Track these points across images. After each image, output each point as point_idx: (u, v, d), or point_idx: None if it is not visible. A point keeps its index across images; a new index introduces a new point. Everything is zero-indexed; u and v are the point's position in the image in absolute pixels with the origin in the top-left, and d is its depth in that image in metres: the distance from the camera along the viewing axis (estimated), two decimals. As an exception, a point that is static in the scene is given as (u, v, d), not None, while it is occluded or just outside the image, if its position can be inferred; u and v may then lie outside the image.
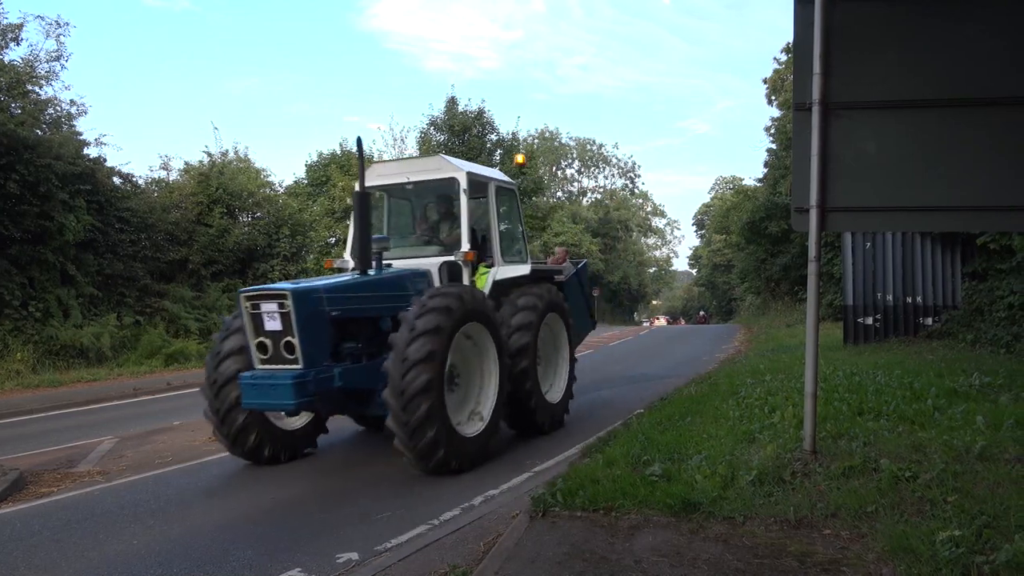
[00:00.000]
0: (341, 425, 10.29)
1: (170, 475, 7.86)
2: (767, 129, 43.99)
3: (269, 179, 25.01)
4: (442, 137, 37.70)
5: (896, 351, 13.34)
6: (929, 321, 15.13)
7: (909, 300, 15.31)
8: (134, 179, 20.17)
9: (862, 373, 10.02)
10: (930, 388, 8.40)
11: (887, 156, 5.63)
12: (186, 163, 23.25)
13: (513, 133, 39.69)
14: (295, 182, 37.73)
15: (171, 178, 22.47)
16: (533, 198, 38.36)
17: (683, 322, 78.53)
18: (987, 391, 8.26)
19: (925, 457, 5.66)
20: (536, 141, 68.34)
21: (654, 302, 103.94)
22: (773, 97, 41.63)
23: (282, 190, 26.96)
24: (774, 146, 39.07)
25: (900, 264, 15.40)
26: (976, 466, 5.39)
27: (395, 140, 43.70)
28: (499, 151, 38.61)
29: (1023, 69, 5.38)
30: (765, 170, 41.66)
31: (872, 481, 5.25)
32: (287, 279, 23.30)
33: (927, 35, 5.55)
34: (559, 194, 72.47)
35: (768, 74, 41.94)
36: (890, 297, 15.35)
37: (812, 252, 5.74)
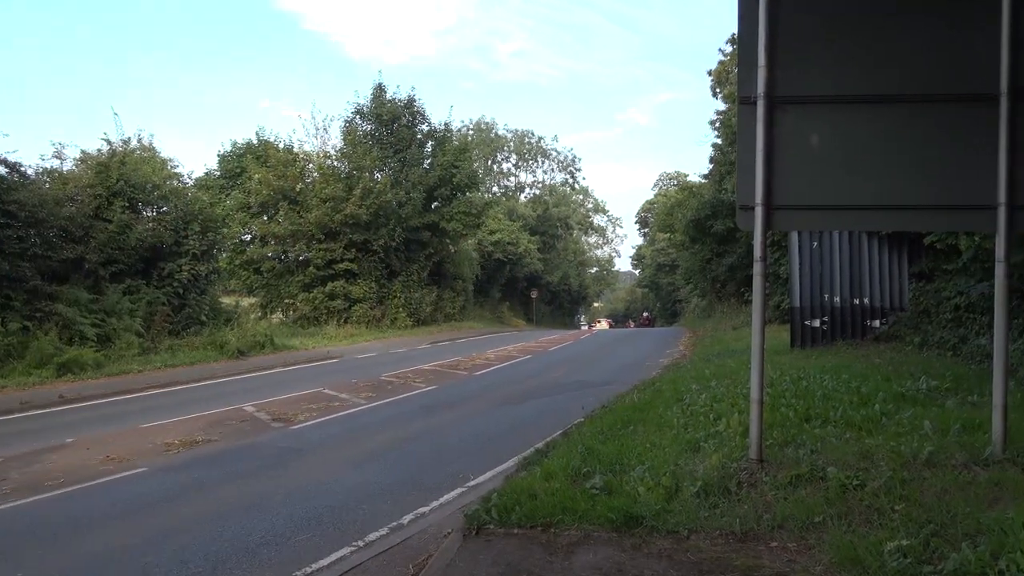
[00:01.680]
0: (265, 440, 10.09)
1: (61, 498, 7.57)
2: (712, 123, 44.55)
3: (177, 170, 24.28)
4: (369, 127, 37.36)
5: (844, 354, 13.80)
6: (877, 323, 15.74)
7: (857, 302, 15.90)
8: (22, 168, 19.30)
9: (809, 378, 10.31)
10: (878, 393, 8.68)
11: (835, 153, 5.75)
12: (83, 152, 22.36)
13: (446, 124, 39.67)
14: (206, 174, 36.96)
15: (65, 168, 21.56)
16: (467, 193, 38.31)
17: (631, 325, 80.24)
18: (934, 395, 8.57)
19: (873, 464, 5.80)
20: (471, 132, 68.29)
21: (596, 304, 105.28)
22: (718, 90, 42.28)
23: (191, 182, 26.21)
24: (719, 141, 39.80)
25: (848, 264, 15.97)
26: (924, 473, 5.56)
27: (317, 130, 43.33)
28: (430, 143, 38.48)
29: (975, 64, 5.57)
30: (710, 166, 42.40)
31: (820, 490, 5.38)
32: (196, 280, 22.70)
33: (874, 28, 5.69)
34: (495, 189, 72.59)
35: (713, 66, 42.49)
36: (837, 299, 15.92)
37: (757, 252, 5.86)
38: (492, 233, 51.75)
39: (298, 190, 31.89)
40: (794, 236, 16.27)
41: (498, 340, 30.49)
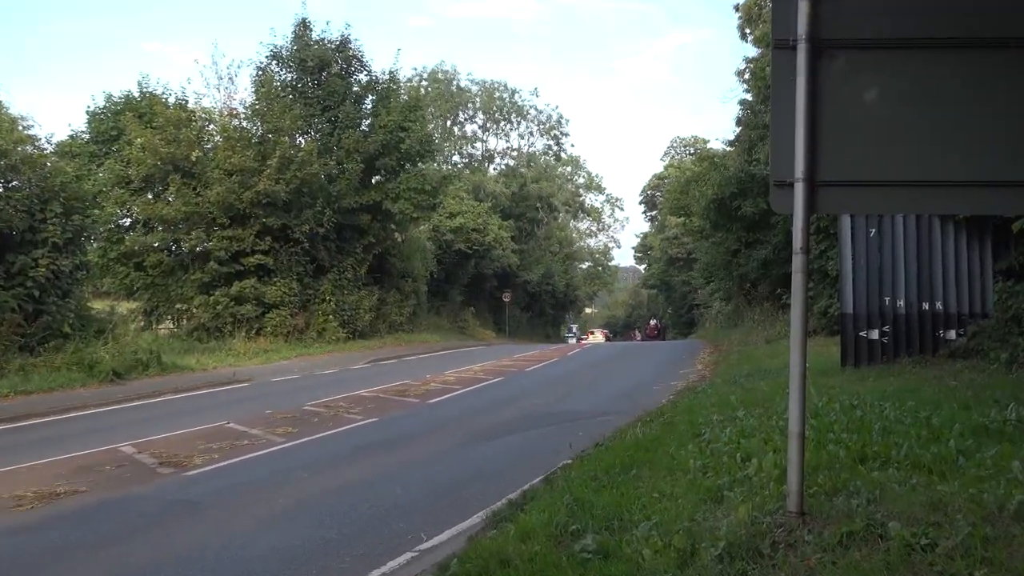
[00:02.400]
0: (149, 491, 9.96)
1: None
2: (740, 74, 44.82)
3: (31, 132, 23.96)
4: (289, 76, 37.17)
5: (909, 375, 13.95)
6: (952, 335, 15.89)
7: (926, 307, 16.05)
8: None
9: (865, 405, 10.38)
10: (953, 425, 8.69)
11: (899, 112, 5.71)
12: None
13: (391, 73, 39.56)
14: (71, 137, 36.38)
15: None
16: (419, 164, 38.26)
17: (636, 336, 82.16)
18: (1026, 428, 8.59)
19: (946, 518, 5.77)
20: (425, 84, 68.15)
21: (588, 310, 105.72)
22: (748, 30, 42.21)
23: (51, 148, 25.89)
24: (749, 97, 39.98)
25: (915, 259, 16.10)
26: (1012, 529, 5.52)
27: (220, 80, 42.90)
28: (371, 98, 38.37)
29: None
30: (737, 130, 42.65)
31: (878, 552, 5.35)
32: (58, 278, 22.36)
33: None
34: (456, 159, 72.52)
35: (741, -2, 42.60)
36: (901, 303, 16.07)
37: (798, 242, 5.79)
38: (452, 217, 51.78)
39: (194, 159, 31.67)
40: (846, 221, 16.34)
41: (460, 357, 30.47)
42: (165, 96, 34.55)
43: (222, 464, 11.69)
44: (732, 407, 11.85)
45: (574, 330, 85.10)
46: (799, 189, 5.73)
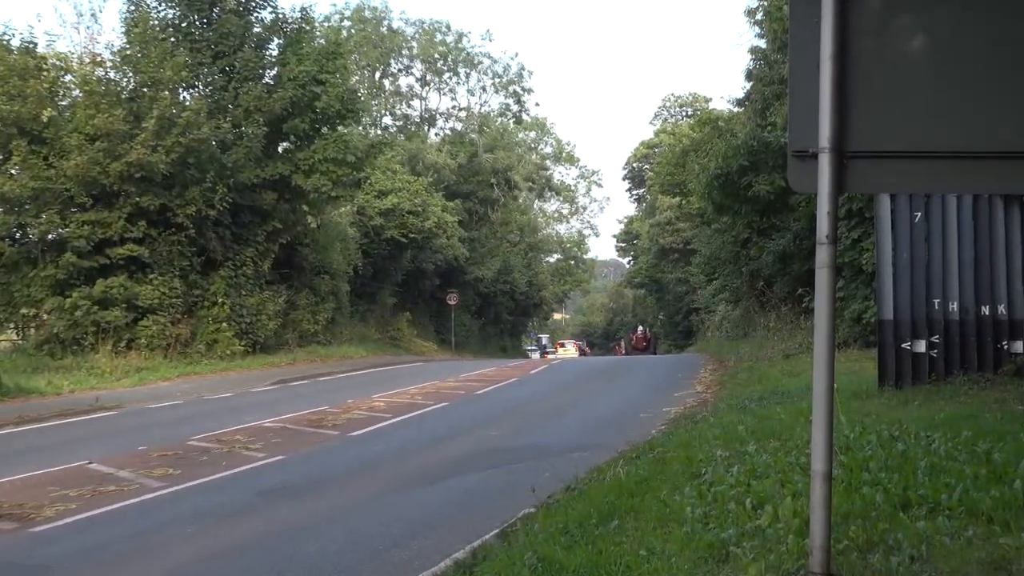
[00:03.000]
0: None
1: None
2: (750, 13, 44.58)
3: None
4: (171, 12, 36.82)
5: (965, 398, 14.00)
6: (1019, 347, 15.97)
7: (986, 312, 16.09)
8: None
9: (909, 436, 10.41)
10: (1020, 462, 8.66)
11: (952, 63, 5.67)
12: None
13: (303, 10, 39.34)
14: None
15: None
16: (339, 128, 38.06)
17: (619, 350, 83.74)
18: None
19: None
20: (347, 25, 67.83)
21: (558, 315, 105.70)
22: (760, -44, 42.33)
23: None
24: (763, 43, 40.00)
25: (972, 251, 16.09)
26: None
27: (80, 18, 42.69)
28: (276, 41, 38.15)
29: None
30: (747, 86, 42.83)
31: (925, 624, 5.32)
32: None
33: None
34: (387, 121, 72.29)
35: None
36: (955, 307, 16.07)
37: (824, 229, 5.66)
38: (382, 196, 51.56)
39: (46, 120, 31.28)
40: (884, 203, 16.30)
41: (393, 377, 30.45)
42: (6, 38, 34.01)
43: (81, 516, 11.50)
44: (740, 440, 11.88)
45: (542, 341, 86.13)
46: (824, 162, 5.62)
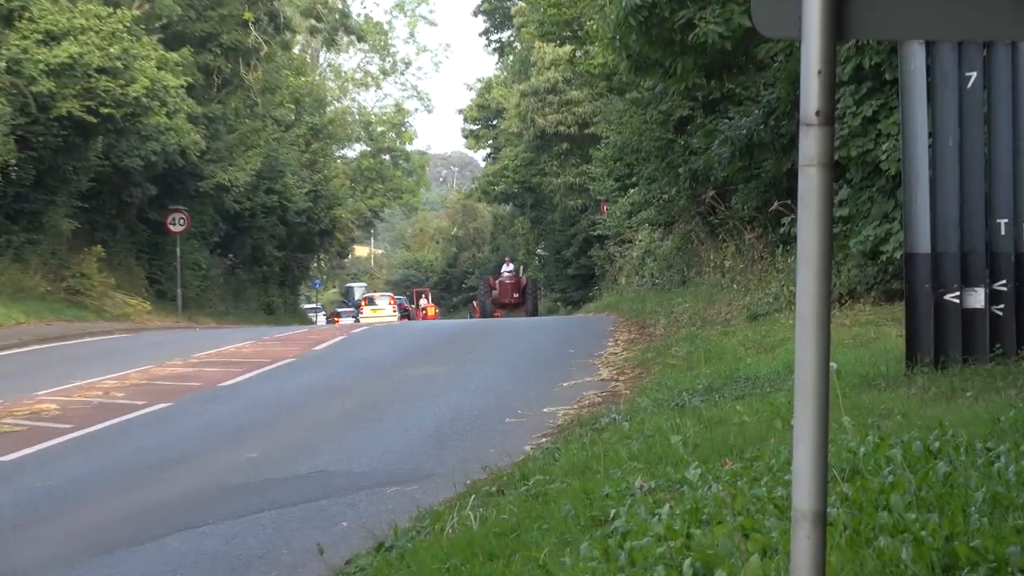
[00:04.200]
0: None
1: None
2: None
3: None
4: None
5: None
6: None
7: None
8: None
9: (955, 450, 8.14)
10: None
11: None
12: None
13: None
14: None
15: None
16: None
17: (478, 310, 62.59)
18: None
19: None
20: None
21: (362, 250, 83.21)
22: None
23: None
24: None
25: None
26: None
27: None
28: None
29: None
30: None
31: None
32: None
33: None
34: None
35: None
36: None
37: (812, 101, 4.08)
38: (52, 42, 36.49)
39: None
40: (916, 57, 12.71)
41: (73, 359, 25.02)
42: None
43: None
44: (675, 460, 9.19)
45: (354, 294, 69.07)
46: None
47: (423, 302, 68.42)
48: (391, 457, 13.11)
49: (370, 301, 62.46)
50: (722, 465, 8.50)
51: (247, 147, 48.70)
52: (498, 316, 54.65)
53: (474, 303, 66.75)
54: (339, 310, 63.84)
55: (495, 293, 59.24)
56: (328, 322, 54.86)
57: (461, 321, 51.95)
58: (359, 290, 66.84)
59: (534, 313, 52.84)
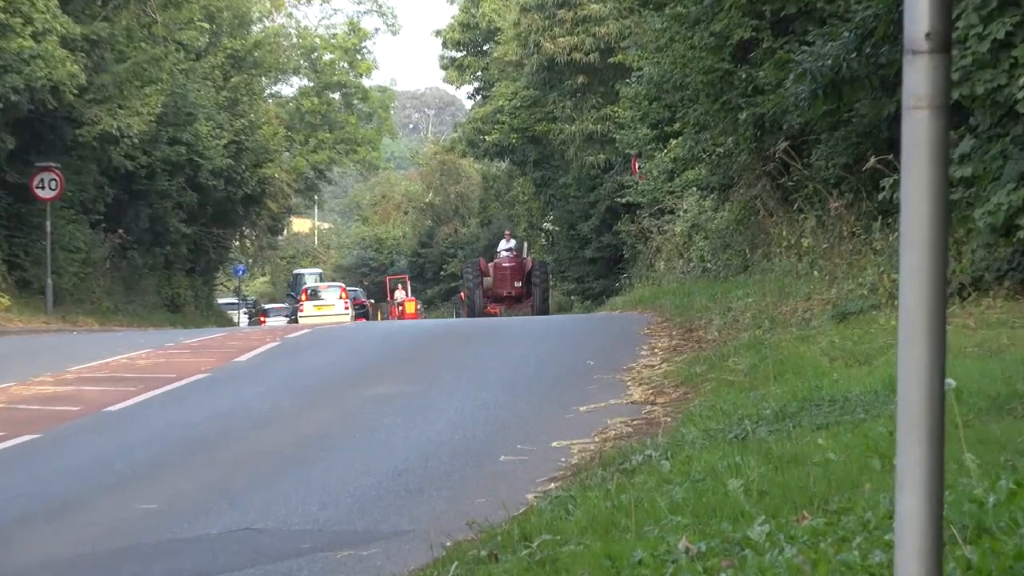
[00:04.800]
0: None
1: None
2: None
3: None
4: None
5: None
6: None
7: None
8: None
9: None
10: None
11: None
12: None
13: None
14: None
15: None
16: None
17: (465, 306, 49.90)
18: None
19: None
20: None
21: (304, 224, 68.51)
22: None
23: None
24: None
25: None
26: None
27: None
28: None
29: None
30: None
31: None
32: None
33: None
34: None
35: None
36: None
37: (922, 24, 2.97)
38: None
39: None
40: None
41: None
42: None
43: None
44: (733, 511, 7.81)
45: (303, 281, 55.78)
46: None
47: (399, 295, 57.19)
48: (341, 509, 10.80)
49: (313, 295, 50.23)
50: (798, 520, 7.15)
51: (143, 82, 38.84)
52: (493, 313, 44.82)
53: (461, 294, 55.34)
54: (267, 307, 53.36)
55: (488, 281, 46.60)
56: (251, 323, 45.79)
57: (441, 321, 43.88)
58: (311, 278, 55.31)
59: (544, 310, 42.72)
